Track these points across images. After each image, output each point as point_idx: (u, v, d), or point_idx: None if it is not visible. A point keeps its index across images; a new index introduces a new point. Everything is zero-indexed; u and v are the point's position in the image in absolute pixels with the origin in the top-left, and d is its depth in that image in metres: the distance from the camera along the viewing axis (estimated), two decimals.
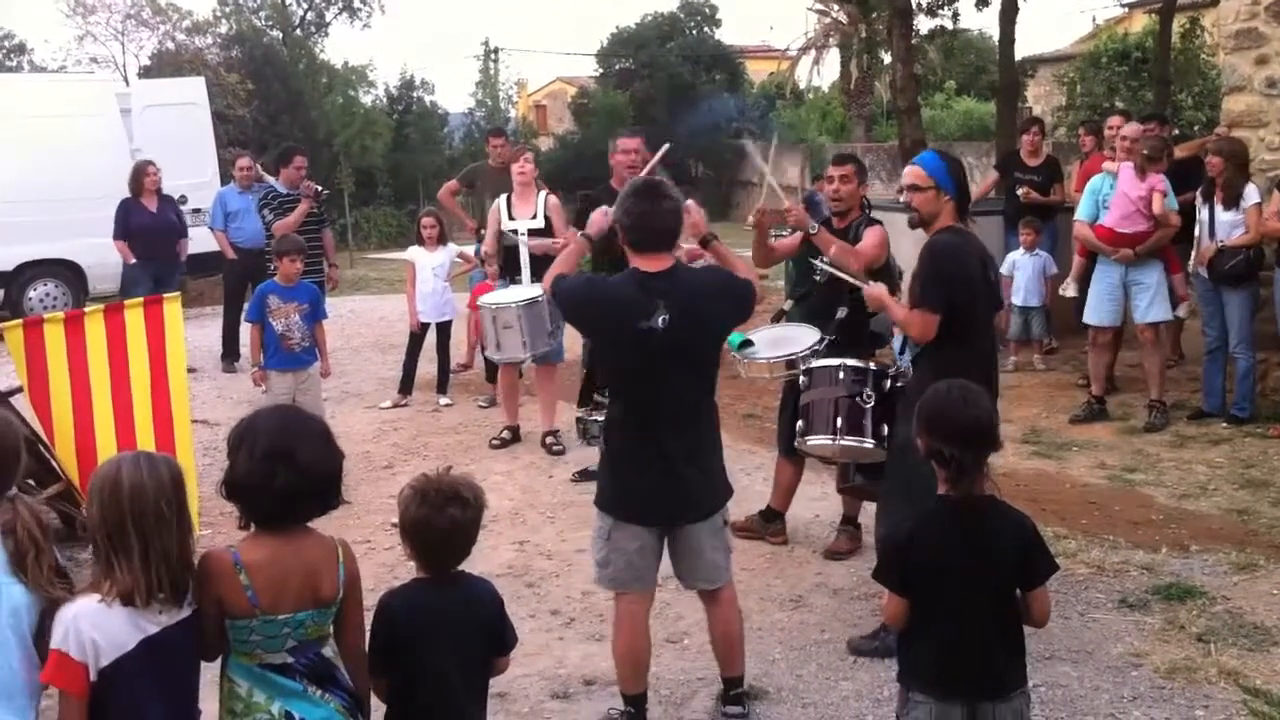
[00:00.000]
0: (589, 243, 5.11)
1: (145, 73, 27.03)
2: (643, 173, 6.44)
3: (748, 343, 5.91)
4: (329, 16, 34.17)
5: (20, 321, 6.55)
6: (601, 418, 5.92)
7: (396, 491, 6.93)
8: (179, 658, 2.92)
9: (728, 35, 36.90)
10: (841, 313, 5.89)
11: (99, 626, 2.78)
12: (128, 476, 2.85)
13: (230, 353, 11.42)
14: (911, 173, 4.99)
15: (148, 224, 11.03)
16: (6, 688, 2.83)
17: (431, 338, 10.01)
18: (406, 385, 9.91)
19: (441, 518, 3.18)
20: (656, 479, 4.30)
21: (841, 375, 5.50)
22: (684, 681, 4.87)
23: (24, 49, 30.56)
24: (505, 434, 8.58)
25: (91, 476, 2.98)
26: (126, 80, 24.53)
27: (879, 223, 6.16)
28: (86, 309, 6.43)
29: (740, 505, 6.03)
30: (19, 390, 6.41)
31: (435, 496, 3.21)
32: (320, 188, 10.20)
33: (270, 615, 2.94)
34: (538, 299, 7.76)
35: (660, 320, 4.17)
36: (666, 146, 7.25)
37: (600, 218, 5.18)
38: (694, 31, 35.33)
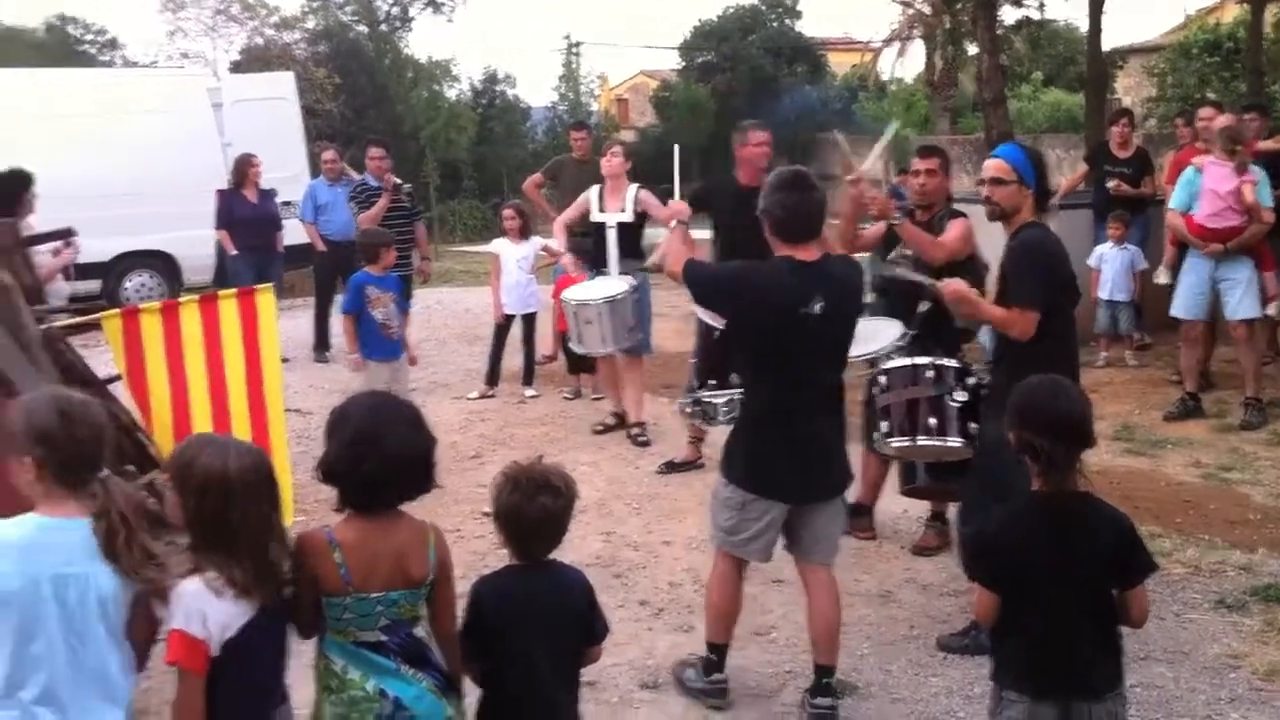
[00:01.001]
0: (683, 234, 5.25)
1: (235, 68, 27.47)
2: (868, 161, 6.35)
3: None
4: (413, 11, 34.50)
5: (118, 310, 6.69)
6: (721, 399, 5.94)
7: (485, 481, 7.07)
8: (274, 637, 2.99)
9: (808, 27, 36.75)
10: (924, 306, 5.84)
11: (216, 604, 2.84)
12: (216, 463, 2.91)
13: (321, 344, 11.60)
14: (993, 165, 4.96)
15: (249, 215, 11.27)
16: (98, 678, 2.88)
17: (517, 330, 10.09)
18: (493, 376, 9.99)
19: (533, 505, 3.22)
20: (796, 458, 4.44)
21: (924, 374, 5.44)
22: (772, 675, 4.88)
23: (116, 44, 31.25)
24: (611, 419, 8.64)
25: (172, 460, 3.04)
26: (217, 75, 24.98)
27: (964, 215, 6.09)
28: (181, 299, 6.54)
29: None
30: (118, 378, 6.55)
31: (527, 484, 3.25)
32: (399, 181, 10.32)
33: (362, 593, 2.99)
34: (621, 296, 7.81)
35: (817, 307, 4.30)
36: (893, 127, 7.27)
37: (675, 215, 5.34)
38: (775, 24, 35.16)
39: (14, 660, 2.84)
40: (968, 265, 5.90)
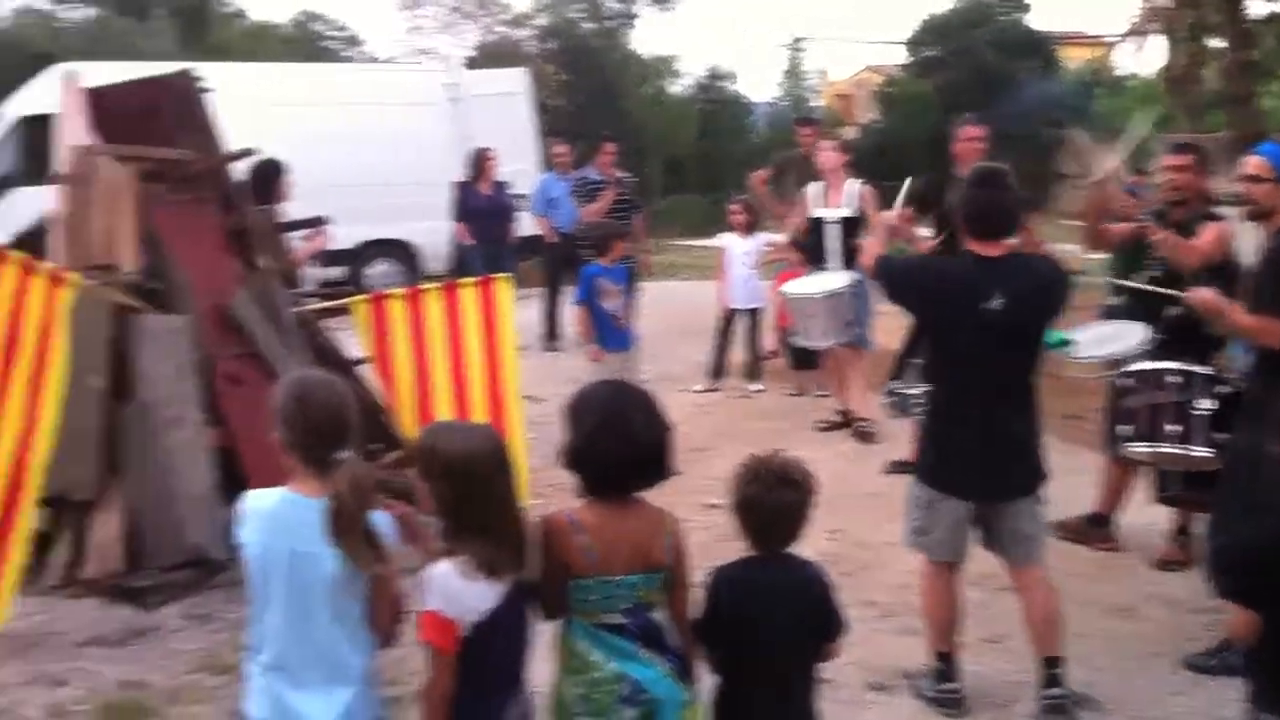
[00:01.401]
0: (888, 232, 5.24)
1: (469, 64, 28.31)
2: (895, 205, 6.27)
3: (1066, 341, 5.72)
4: (636, 8, 34.90)
5: (367, 296, 6.98)
6: (915, 391, 5.88)
7: (710, 473, 7.12)
8: (519, 619, 3.05)
9: (1039, 21, 35.64)
10: (1173, 310, 5.61)
11: (465, 586, 2.92)
12: (457, 447, 3.00)
13: (551, 333, 11.87)
14: (1253, 163, 4.85)
15: (484, 207, 11.64)
16: (324, 656, 2.97)
17: (741, 324, 10.11)
18: (717, 370, 10.05)
19: (770, 497, 3.24)
20: (979, 456, 4.40)
21: (1170, 379, 5.26)
22: (1008, 684, 4.76)
23: (356, 41, 32.54)
24: (835, 417, 8.61)
25: (417, 449, 3.14)
26: (452, 72, 25.75)
27: (1220, 218, 5.82)
28: (426, 286, 6.77)
29: (1062, 508, 5.83)
30: (365, 360, 6.84)
31: (766, 476, 3.27)
32: (623, 174, 10.47)
33: (606, 576, 3.04)
34: (840, 290, 7.78)
35: (997, 303, 4.24)
36: (910, 181, 7.10)
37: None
38: (1004, 17, 34.24)
39: (256, 625, 3.01)
40: (1220, 272, 5.64)
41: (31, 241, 6.24)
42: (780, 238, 10.23)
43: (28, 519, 5.16)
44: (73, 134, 6.44)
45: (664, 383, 10.16)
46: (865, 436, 8.29)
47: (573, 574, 3.05)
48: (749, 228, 10.15)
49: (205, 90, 6.90)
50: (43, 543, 5.60)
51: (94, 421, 5.73)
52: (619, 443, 3.06)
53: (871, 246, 4.95)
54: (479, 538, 2.93)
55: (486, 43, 29.65)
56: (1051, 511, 4.80)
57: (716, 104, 32.36)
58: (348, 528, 2.86)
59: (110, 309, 5.85)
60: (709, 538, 6.04)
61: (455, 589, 2.91)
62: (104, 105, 6.67)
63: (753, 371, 10.09)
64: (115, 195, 6.04)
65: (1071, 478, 7.01)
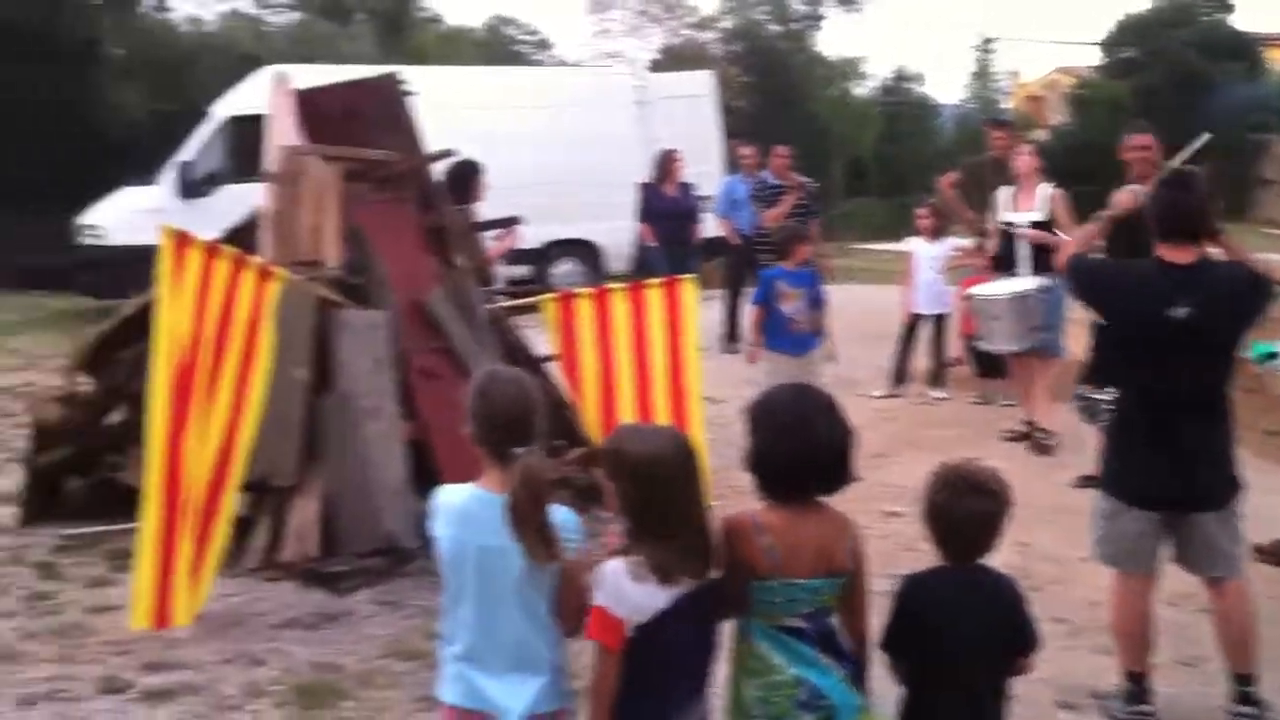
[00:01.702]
0: (1107, 223, 5.03)
1: (654, 66, 28.52)
2: (1175, 161, 6.10)
3: (1274, 354, 5.49)
4: (823, 9, 34.64)
5: (555, 295, 7.10)
6: (1105, 396, 5.70)
7: (890, 480, 7.02)
8: (699, 620, 3.04)
9: (1244, 21, 34.14)
10: None
11: (634, 587, 2.93)
12: (645, 450, 3.00)
13: (732, 334, 11.88)
14: None
15: (668, 209, 11.71)
16: (515, 648, 3.02)
17: (925, 330, 9.96)
18: (900, 376, 9.92)
19: (961, 506, 3.18)
20: (1166, 466, 4.30)
21: None
22: (1204, 709, 4.57)
23: (546, 44, 33.10)
24: (1022, 427, 8.42)
25: (604, 449, 3.15)
26: (638, 74, 26.00)
27: None
28: (613, 286, 6.85)
29: (1261, 529, 5.58)
30: (553, 357, 6.96)
31: (959, 484, 3.21)
32: (806, 180, 10.40)
33: (789, 578, 3.02)
34: (1027, 293, 7.62)
35: (1183, 311, 4.16)
36: (1206, 137, 6.85)
37: (1127, 197, 5.05)
38: (1206, 18, 32.88)
39: (449, 616, 3.08)
40: None
41: (241, 237, 6.50)
42: (968, 242, 10.05)
43: (231, 503, 5.40)
44: (282, 134, 6.72)
45: (844, 388, 10.08)
46: (1043, 449, 8.07)
47: (755, 575, 3.04)
48: (936, 232, 10.00)
49: (408, 93, 7.12)
50: (243, 526, 5.83)
51: (296, 411, 5.96)
52: (801, 447, 3.04)
53: (1069, 244, 4.83)
54: (658, 541, 2.94)
55: (672, 45, 29.82)
56: (1249, 533, 4.61)
57: (902, 106, 31.92)
58: (522, 522, 2.89)
59: (314, 303, 6.08)
60: (890, 546, 5.98)
61: (624, 588, 2.92)
62: (311, 106, 6.94)
63: (936, 378, 9.94)
64: (322, 194, 6.28)
65: (1271, 497, 6.73)
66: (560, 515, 2.99)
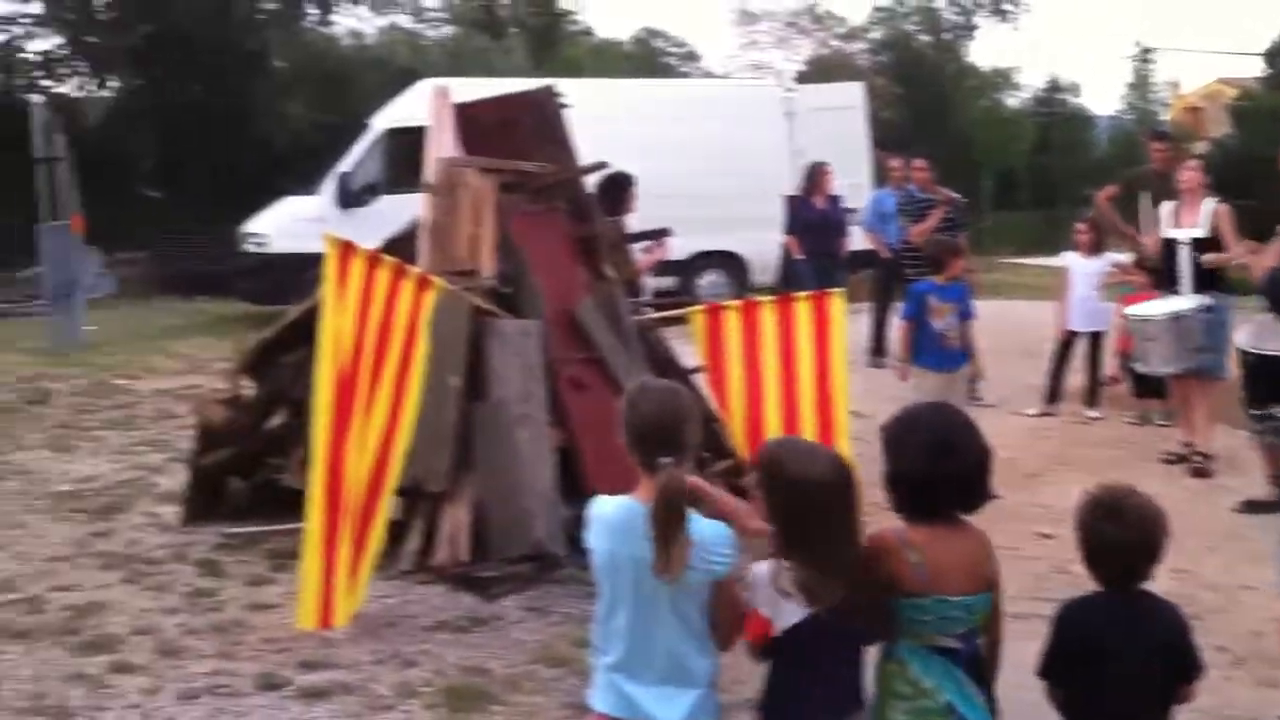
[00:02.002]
0: None
1: (800, 78, 28.43)
2: None
3: None
4: (977, 19, 34.10)
5: (703, 307, 7.11)
6: None
7: (1043, 500, 6.87)
8: (837, 641, 3.01)
9: None
10: None
11: (773, 595, 2.94)
12: (800, 469, 2.98)
13: (878, 349, 11.77)
14: None
15: (817, 221, 11.66)
16: (670, 660, 3.01)
17: (1080, 348, 9.73)
18: (1053, 394, 9.72)
19: (1115, 531, 3.10)
20: None
21: None
22: None
23: (695, 56, 33.23)
24: (1181, 449, 8.19)
25: (761, 459, 3.13)
26: (785, 85, 25.95)
27: None
28: (761, 299, 6.83)
29: None
30: (700, 370, 6.97)
31: (1113, 508, 3.13)
32: (955, 195, 10.24)
33: (942, 595, 2.97)
34: (1185, 313, 7.40)
35: None
36: None
37: None
38: None
39: (602, 626, 3.10)
40: None
41: (400, 246, 6.66)
42: (1126, 258, 9.80)
43: (387, 507, 5.53)
44: (441, 146, 6.86)
45: (996, 405, 9.92)
46: (1200, 474, 7.81)
47: (903, 592, 2.99)
48: (1094, 247, 9.76)
49: (564, 105, 7.22)
50: (396, 530, 5.93)
51: (450, 417, 6.08)
52: (943, 465, 3.00)
53: (1265, 258, 4.66)
54: (806, 562, 2.93)
55: (819, 56, 29.69)
56: None
57: (1055, 117, 31.25)
58: (660, 533, 2.89)
59: (469, 312, 6.19)
60: (1043, 568, 5.87)
61: (773, 593, 2.95)
62: (469, 118, 7.08)
63: (1092, 397, 9.70)
64: (478, 205, 6.40)
65: None
66: (712, 529, 2.97)
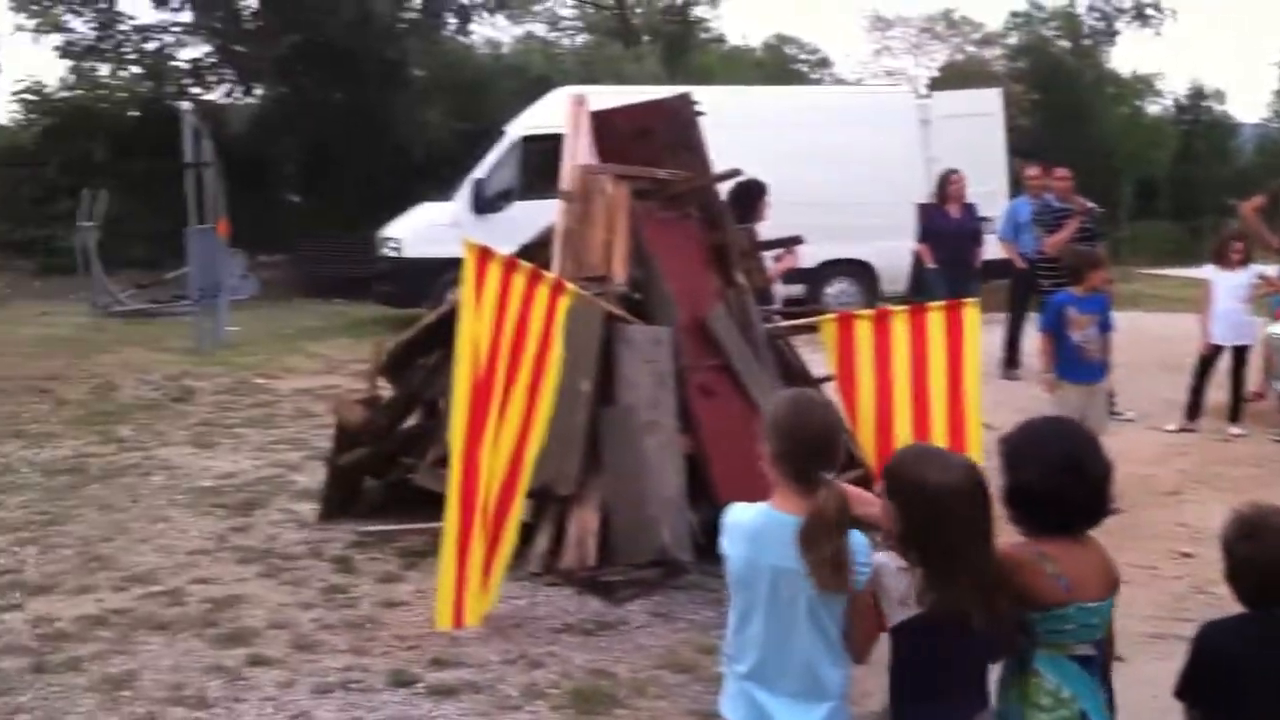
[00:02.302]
0: None
1: (933, 84, 28.09)
2: None
3: None
4: (1118, 25, 33.32)
5: (834, 315, 7.07)
6: None
7: (1183, 519, 6.70)
8: (952, 640, 2.94)
9: None
10: None
11: (890, 587, 2.96)
12: (925, 475, 2.94)
13: (1011, 360, 11.57)
14: None
15: (950, 230, 11.49)
16: (804, 671, 3.00)
17: (1225, 363, 9.45)
18: (1194, 410, 9.45)
19: (1261, 551, 3.00)
20: None
21: None
22: None
23: (827, 63, 33.06)
24: None
25: (890, 469, 3.08)
26: (918, 92, 25.67)
27: None
28: (893, 308, 6.76)
29: None
30: (829, 379, 6.93)
31: (1258, 528, 3.04)
32: (1092, 205, 10.01)
33: (1083, 602, 2.94)
34: None
35: None
36: None
37: None
38: None
39: (735, 634, 3.09)
40: None
41: (535, 252, 6.75)
42: (1273, 270, 9.49)
43: (520, 509, 5.60)
44: (577, 153, 6.93)
45: (1134, 419, 9.68)
46: None
47: (1040, 605, 2.95)
48: (1240, 259, 9.47)
49: (699, 113, 7.24)
50: (525, 532, 5.97)
51: (581, 421, 6.14)
52: (1065, 481, 2.96)
53: None
54: (924, 568, 2.91)
55: (954, 62, 29.29)
56: None
57: (1199, 124, 30.37)
58: (819, 547, 2.87)
59: (602, 318, 6.25)
60: (1184, 587, 5.69)
61: (886, 584, 2.96)
62: (606, 126, 7.15)
63: (1235, 413, 9.41)
64: (612, 212, 6.46)
65: None
66: (854, 540, 2.96)
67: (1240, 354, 9.42)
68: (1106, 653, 3.11)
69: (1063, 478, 2.96)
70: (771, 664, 3.02)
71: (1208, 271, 9.74)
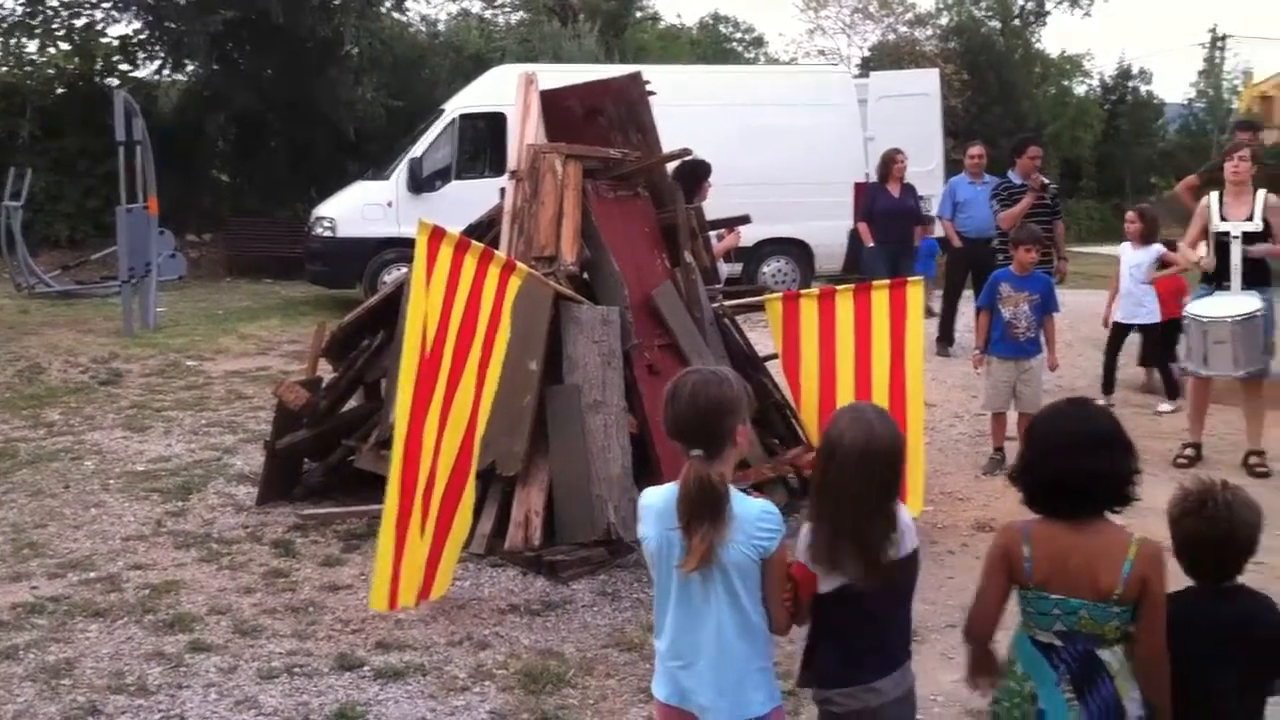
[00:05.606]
0: None
1: (864, 64, 28.24)
2: None
3: None
4: (1049, 5, 33.70)
5: (780, 294, 7.09)
6: None
7: None
8: (877, 605, 3.03)
9: None
10: None
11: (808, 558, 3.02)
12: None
13: (945, 337, 11.68)
14: None
15: (891, 209, 11.55)
16: (721, 648, 2.99)
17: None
18: (1108, 385, 9.71)
19: (1195, 523, 3.07)
20: None
21: None
22: None
23: (761, 42, 33.12)
24: (1189, 452, 8.00)
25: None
26: (852, 72, 25.80)
27: None
28: (838, 288, 6.79)
29: None
30: (774, 357, 6.96)
31: (1195, 501, 3.10)
32: (1047, 180, 10.10)
33: (1044, 591, 2.99)
34: (1255, 314, 7.25)
35: None
36: None
37: None
38: None
39: (658, 614, 3.12)
40: None
41: (482, 232, 6.68)
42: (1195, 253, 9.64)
43: (471, 492, 5.53)
44: (526, 132, 6.86)
45: (1062, 394, 9.76)
46: (1260, 476, 7.59)
47: (1016, 583, 3.06)
48: (1144, 237, 9.62)
49: (650, 93, 7.20)
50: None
51: (529, 402, 6.11)
52: (1064, 463, 2.99)
53: None
54: (821, 525, 2.98)
55: (885, 43, 29.45)
56: None
57: (1124, 105, 30.83)
58: (685, 523, 2.91)
59: (551, 298, 6.20)
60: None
61: (807, 556, 3.01)
62: (555, 105, 7.09)
63: (1171, 391, 9.60)
64: (561, 191, 6.41)
65: None
66: (758, 506, 2.97)
67: (1149, 332, 9.64)
68: (1139, 665, 3.05)
69: (1074, 461, 2.99)
70: (687, 642, 3.02)
71: (1122, 249, 9.90)
